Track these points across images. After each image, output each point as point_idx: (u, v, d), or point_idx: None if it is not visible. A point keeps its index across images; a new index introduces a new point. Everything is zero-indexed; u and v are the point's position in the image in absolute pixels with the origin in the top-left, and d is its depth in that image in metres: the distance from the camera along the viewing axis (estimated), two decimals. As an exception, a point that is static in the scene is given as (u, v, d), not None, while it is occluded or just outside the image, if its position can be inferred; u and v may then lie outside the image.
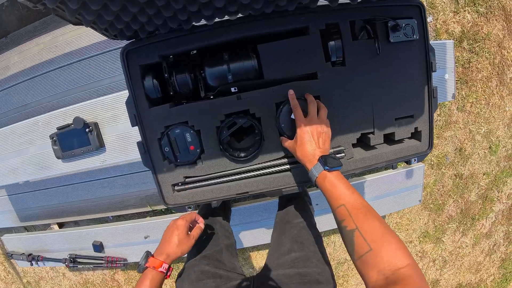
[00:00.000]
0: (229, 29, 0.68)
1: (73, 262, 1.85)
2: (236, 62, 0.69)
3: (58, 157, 1.20)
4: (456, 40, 1.82)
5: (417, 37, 0.74)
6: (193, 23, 0.66)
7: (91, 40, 1.54)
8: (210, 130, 0.72)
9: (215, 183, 0.76)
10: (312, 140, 0.65)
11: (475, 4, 1.79)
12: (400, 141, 0.83)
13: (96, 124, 1.17)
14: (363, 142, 0.82)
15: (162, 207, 1.92)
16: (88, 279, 2.40)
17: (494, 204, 2.21)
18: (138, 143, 0.73)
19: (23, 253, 2.00)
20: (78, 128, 1.14)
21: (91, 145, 1.15)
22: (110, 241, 1.78)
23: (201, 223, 0.80)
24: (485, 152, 2.06)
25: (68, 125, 1.17)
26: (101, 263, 1.85)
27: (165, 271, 0.70)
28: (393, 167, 0.83)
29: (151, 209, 1.93)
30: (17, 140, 1.29)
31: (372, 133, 0.77)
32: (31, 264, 1.97)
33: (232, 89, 0.72)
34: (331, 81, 0.71)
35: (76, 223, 2.15)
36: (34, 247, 1.98)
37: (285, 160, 0.75)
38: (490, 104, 1.95)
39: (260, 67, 0.70)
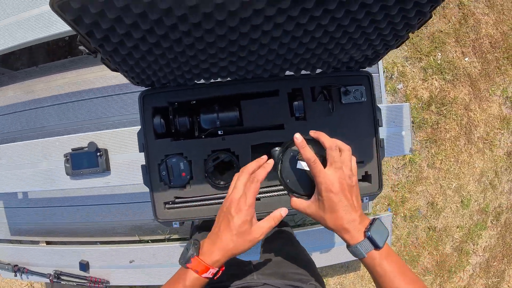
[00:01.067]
0: (221, 88, 0.92)
1: (58, 278, 1.89)
2: (223, 112, 0.92)
3: (67, 174, 1.39)
4: (425, 104, 2.10)
5: (365, 99, 0.96)
6: (195, 81, 0.90)
7: (109, 82, 1.82)
8: (199, 161, 0.93)
9: (199, 205, 0.94)
10: (344, 201, 0.52)
11: (442, 72, 2.09)
12: (353, 183, 1.02)
13: (106, 150, 1.39)
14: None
15: (149, 237, 2.05)
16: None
17: (470, 257, 2.29)
18: (142, 165, 0.93)
19: (9, 263, 1.99)
20: (91, 151, 1.35)
21: (99, 167, 1.35)
22: (97, 262, 1.88)
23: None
24: (457, 206, 2.22)
25: (82, 148, 1.38)
26: (85, 283, 1.89)
27: (211, 276, 0.53)
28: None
29: (138, 239, 2.06)
30: (34, 153, 1.49)
31: (327, 174, 0.97)
32: (15, 275, 1.97)
33: (219, 132, 0.94)
34: (294, 131, 0.93)
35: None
36: (20, 259, 2.01)
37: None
38: (459, 161, 2.17)
39: (241, 117, 0.92)
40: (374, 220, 0.55)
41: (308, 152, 0.55)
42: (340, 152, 0.56)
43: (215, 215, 0.91)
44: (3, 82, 2.05)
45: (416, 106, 2.11)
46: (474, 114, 2.15)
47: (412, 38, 2.08)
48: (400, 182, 2.17)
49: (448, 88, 2.11)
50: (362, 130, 0.98)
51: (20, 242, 2.22)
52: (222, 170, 0.96)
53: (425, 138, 2.14)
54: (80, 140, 1.44)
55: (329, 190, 0.51)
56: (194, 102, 0.98)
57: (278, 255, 0.93)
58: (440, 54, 2.09)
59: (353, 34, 0.67)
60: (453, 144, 2.15)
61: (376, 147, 1.00)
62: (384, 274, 0.51)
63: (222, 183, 0.92)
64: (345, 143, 0.59)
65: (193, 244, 0.54)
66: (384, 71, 2.05)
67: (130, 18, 0.58)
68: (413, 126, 2.13)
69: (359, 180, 1.01)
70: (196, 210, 0.94)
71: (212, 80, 0.90)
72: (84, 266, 1.85)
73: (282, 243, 1.09)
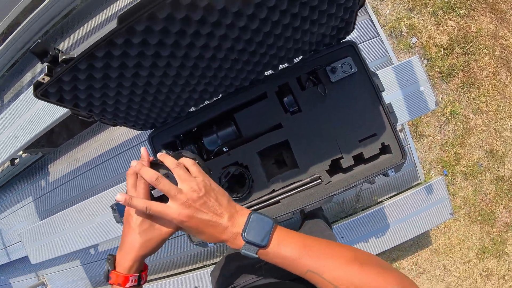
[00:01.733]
0: (212, 108, 0.96)
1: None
2: (221, 130, 0.95)
3: (117, 222, 1.53)
4: (447, 49, 1.92)
5: (356, 70, 0.92)
6: (187, 110, 0.95)
7: (134, 133, 1.99)
8: (214, 180, 0.96)
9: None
10: (204, 218, 0.48)
11: (453, 9, 1.89)
12: (374, 158, 0.97)
13: (143, 193, 1.52)
14: (340, 168, 0.98)
15: (211, 261, 2.14)
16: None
17: (553, 198, 2.00)
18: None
19: None
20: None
21: (141, 210, 1.48)
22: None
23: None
24: (521, 146, 1.97)
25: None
26: None
27: (135, 284, 0.51)
28: (371, 182, 0.96)
29: (202, 265, 2.16)
30: (88, 212, 1.68)
31: (341, 157, 0.94)
32: None
33: (224, 149, 0.97)
34: (294, 126, 0.93)
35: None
36: None
37: (274, 194, 0.94)
38: (507, 96, 1.92)
39: (239, 129, 0.94)
40: (249, 215, 0.51)
41: (148, 172, 0.49)
42: (172, 171, 0.52)
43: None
44: (51, 160, 2.36)
45: (439, 54, 1.93)
46: (505, 40, 1.90)
47: (411, -13, 1.92)
48: (448, 140, 1.98)
49: (466, 23, 1.90)
50: (364, 101, 0.94)
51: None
52: (238, 183, 0.99)
53: (460, 85, 1.94)
54: (121, 190, 1.59)
55: (181, 222, 0.48)
56: (195, 129, 1.03)
57: None
58: (446, -9, 1.90)
59: (302, 13, 0.66)
60: (494, 80, 1.92)
61: (385, 114, 0.94)
62: (286, 262, 0.49)
63: (239, 195, 0.94)
64: (173, 161, 0.53)
65: (107, 259, 0.53)
66: (391, 31, 1.92)
67: (98, 82, 0.65)
68: (442, 77, 1.95)
69: (379, 154, 0.96)
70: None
71: (201, 105, 0.94)
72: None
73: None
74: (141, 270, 0.53)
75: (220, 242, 0.51)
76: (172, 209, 0.47)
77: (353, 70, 0.93)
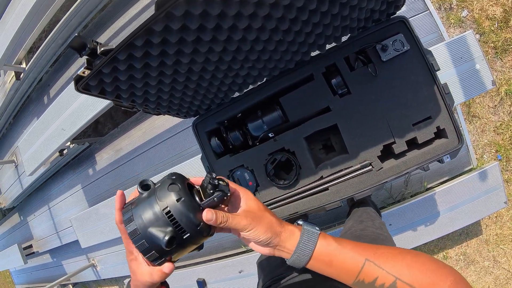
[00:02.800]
0: (257, 93, 0.94)
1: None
2: (267, 115, 0.93)
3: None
4: (501, 22, 1.73)
5: (408, 48, 0.85)
6: (231, 96, 0.94)
7: (177, 120, 2.04)
8: (260, 168, 0.96)
9: (270, 208, 0.96)
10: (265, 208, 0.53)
11: (510, -21, 1.70)
12: (428, 143, 0.90)
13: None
14: (392, 153, 0.92)
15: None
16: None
17: None
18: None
19: None
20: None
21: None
22: (212, 277, 2.07)
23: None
24: None
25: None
26: None
27: None
28: (425, 169, 0.90)
29: (245, 249, 2.20)
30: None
31: (394, 142, 0.89)
32: None
33: (270, 135, 0.95)
34: (343, 109, 0.89)
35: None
36: None
37: (322, 181, 0.91)
38: None
39: (285, 114, 0.92)
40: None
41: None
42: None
43: (287, 215, 0.93)
44: (97, 149, 2.49)
45: (492, 28, 1.75)
46: None
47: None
48: (503, 122, 1.81)
49: (526, -8, 1.70)
50: (417, 82, 0.87)
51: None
52: (284, 169, 0.97)
53: (518, 61, 1.75)
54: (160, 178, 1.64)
55: (247, 196, 0.53)
56: (240, 115, 1.02)
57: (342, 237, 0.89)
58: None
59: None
60: (557, 55, 1.71)
61: (441, 95, 0.87)
62: (345, 252, 0.49)
63: (286, 182, 0.92)
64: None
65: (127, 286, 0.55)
66: (440, 4, 1.77)
67: (139, 72, 0.65)
68: (496, 53, 1.77)
69: (433, 139, 0.89)
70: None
71: (245, 90, 0.93)
72: (201, 283, 2.07)
73: (352, 222, 1.04)
74: None
75: (271, 232, 0.50)
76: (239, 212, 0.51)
77: (405, 48, 0.86)
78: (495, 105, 1.79)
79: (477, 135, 1.81)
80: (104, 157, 2.43)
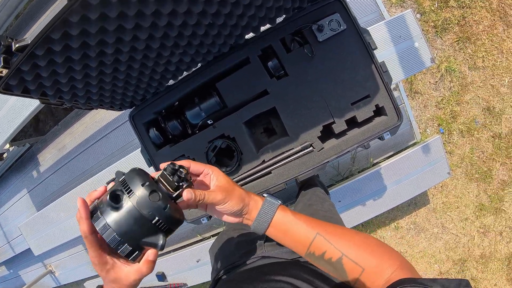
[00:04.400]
0: (192, 80, 0.89)
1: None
2: (204, 102, 0.89)
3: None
4: (441, 2, 1.81)
5: (345, 27, 0.85)
6: (165, 84, 0.88)
7: (118, 112, 1.91)
8: (201, 156, 0.92)
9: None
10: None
11: (447, -40, 1.77)
12: (368, 121, 0.92)
13: (134, 175, 1.48)
14: (332, 133, 0.93)
15: (210, 233, 2.15)
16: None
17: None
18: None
19: None
20: (120, 179, 1.45)
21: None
22: (171, 269, 2.04)
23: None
24: (518, 102, 1.92)
25: (114, 179, 1.48)
26: None
27: None
28: (366, 146, 0.92)
29: (201, 237, 2.18)
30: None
31: (333, 122, 0.89)
32: None
33: (209, 122, 0.91)
34: (280, 92, 0.87)
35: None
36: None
37: (264, 165, 0.90)
38: (504, 51, 1.85)
39: (223, 99, 0.88)
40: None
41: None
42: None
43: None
44: (39, 149, 2.30)
45: (432, 7, 1.83)
46: (504, -9, 1.79)
47: None
48: (444, 97, 1.92)
49: (462, -27, 1.78)
50: (354, 61, 0.87)
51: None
52: (227, 156, 0.94)
53: (456, 39, 1.85)
54: (110, 173, 1.55)
55: (226, 181, 0.54)
56: (177, 103, 0.96)
57: None
58: None
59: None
60: (491, 35, 1.83)
61: (379, 73, 0.88)
62: (300, 222, 0.52)
63: (228, 169, 0.90)
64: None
65: None
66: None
67: (61, 67, 0.59)
68: (436, 32, 1.86)
69: (373, 117, 0.90)
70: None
71: (180, 77, 0.87)
72: (161, 276, 2.03)
73: (302, 206, 1.05)
74: None
75: (242, 202, 0.52)
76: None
77: (341, 27, 0.85)
78: (436, 82, 1.89)
79: (420, 110, 1.91)
80: (48, 157, 2.25)
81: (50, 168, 2.25)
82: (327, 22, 0.85)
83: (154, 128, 0.96)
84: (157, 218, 0.46)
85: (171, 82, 0.89)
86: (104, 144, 1.99)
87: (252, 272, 0.65)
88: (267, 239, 0.79)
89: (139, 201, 0.45)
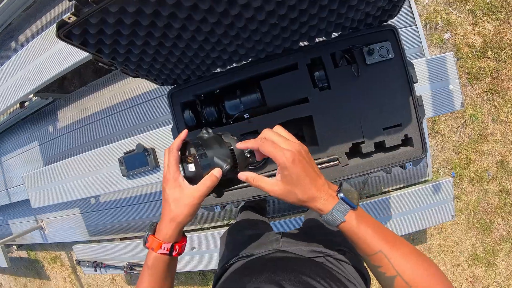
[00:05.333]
0: (239, 72, 0.93)
1: (131, 269, 2.14)
2: (245, 96, 0.92)
3: (123, 175, 1.55)
4: (479, 51, 1.84)
5: (393, 56, 0.88)
6: (213, 70, 0.92)
7: (150, 87, 1.95)
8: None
9: (237, 188, 0.97)
10: (309, 168, 0.51)
11: (493, 12, 1.80)
12: (394, 148, 0.95)
13: (153, 149, 1.51)
14: (359, 152, 0.96)
15: (210, 225, 2.18)
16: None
17: (552, 219, 1.99)
18: (179, 159, 1.00)
19: (89, 261, 2.32)
20: (140, 152, 1.48)
21: (149, 165, 1.48)
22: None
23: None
24: (532, 163, 1.94)
25: (132, 151, 1.51)
26: None
27: (167, 252, 0.54)
28: (388, 172, 0.94)
29: (200, 227, 2.20)
30: (94, 162, 1.68)
31: (363, 142, 0.92)
32: (95, 271, 2.28)
33: (245, 115, 0.95)
34: (320, 102, 0.90)
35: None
36: (98, 256, 2.31)
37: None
38: (529, 111, 1.88)
39: (264, 97, 0.92)
40: (341, 183, 0.53)
41: (250, 142, 0.55)
42: (273, 134, 0.54)
43: (253, 196, 0.94)
44: (61, 106, 2.34)
45: (470, 55, 1.86)
46: (541, 53, 1.82)
47: (454, -21, 1.82)
48: (463, 143, 1.95)
49: (504, 29, 1.81)
50: (394, 89, 0.90)
51: (98, 241, 2.54)
52: (254, 152, 0.97)
53: (485, 90, 1.88)
54: (131, 144, 1.58)
55: (293, 161, 0.49)
56: (218, 91, 1.00)
57: (310, 225, 0.92)
58: (490, -10, 1.80)
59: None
60: (520, 92, 1.86)
61: (414, 106, 0.91)
62: (365, 236, 0.50)
63: (254, 164, 0.93)
64: (270, 130, 0.56)
65: (150, 226, 0.58)
66: (426, 23, 1.84)
67: (127, 29, 0.62)
68: (469, 78, 1.89)
69: (400, 145, 0.93)
70: (234, 194, 0.97)
71: (228, 67, 0.91)
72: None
73: (316, 215, 1.08)
74: (177, 241, 0.56)
75: (311, 198, 0.50)
76: (286, 148, 0.50)
77: (390, 55, 0.89)
78: (458, 126, 1.92)
79: (437, 150, 1.94)
80: (68, 115, 2.29)
81: (68, 126, 2.29)
82: (378, 48, 0.89)
83: (190, 110, 0.99)
84: (233, 149, 0.60)
85: (218, 69, 0.93)
86: (128, 114, 2.03)
87: (268, 263, 0.66)
88: (284, 234, 0.82)
89: (225, 135, 0.64)
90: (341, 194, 0.50)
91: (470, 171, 1.94)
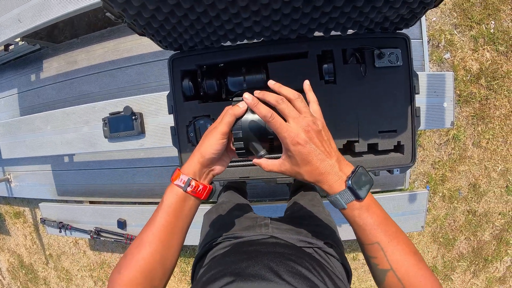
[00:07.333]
0: (247, 50, 0.90)
1: (97, 234, 2.09)
2: (250, 75, 0.91)
3: (105, 137, 1.50)
4: (474, 77, 1.91)
5: (401, 64, 0.89)
6: (222, 43, 0.89)
7: (146, 50, 1.88)
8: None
9: (230, 166, 0.95)
10: (317, 149, 0.48)
11: (494, 43, 1.87)
12: (385, 152, 0.97)
13: (141, 114, 1.45)
14: (351, 150, 0.97)
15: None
16: (106, 260, 2.65)
17: (510, 247, 2.14)
18: (171, 127, 0.97)
19: (55, 221, 2.21)
20: (127, 115, 1.42)
21: (134, 130, 1.43)
22: (134, 220, 2.02)
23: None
24: (501, 191, 2.05)
25: (119, 112, 1.46)
26: (121, 239, 2.06)
27: (182, 185, 0.52)
28: (376, 174, 0.97)
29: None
30: (76, 119, 1.61)
31: (357, 141, 0.93)
32: (60, 231, 2.19)
33: (246, 94, 0.93)
34: (323, 95, 0.90)
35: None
36: (65, 217, 2.22)
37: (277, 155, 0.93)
38: (508, 142, 1.97)
39: (268, 79, 0.90)
40: (358, 167, 0.51)
41: (262, 108, 0.51)
42: (291, 102, 0.53)
43: (240, 177, 0.93)
44: (48, 55, 2.20)
45: (464, 78, 1.93)
46: (530, 90, 1.92)
47: (463, 4, 1.86)
48: (442, 159, 2.03)
49: (501, 60, 1.88)
50: (396, 96, 0.92)
51: (66, 201, 2.45)
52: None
53: (472, 114, 1.96)
54: (118, 105, 1.52)
55: (296, 143, 0.48)
56: (222, 65, 0.97)
57: (298, 214, 0.93)
58: (493, 22, 1.85)
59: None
60: (503, 123, 1.95)
61: (412, 116, 0.93)
62: (364, 226, 0.49)
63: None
64: (295, 91, 0.54)
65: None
66: (430, 39, 1.88)
67: None
68: (459, 100, 1.96)
69: (391, 150, 0.96)
70: (226, 172, 0.96)
71: (238, 42, 0.88)
72: (122, 224, 2.00)
73: (304, 203, 1.09)
74: (197, 179, 0.55)
75: (317, 179, 0.50)
76: (291, 128, 0.48)
77: (398, 63, 0.90)
78: (440, 143, 2.00)
79: (417, 162, 2.01)
80: (54, 66, 2.16)
81: (52, 77, 2.17)
82: (388, 53, 0.89)
83: (190, 80, 0.96)
84: (273, 137, 0.55)
85: (227, 43, 0.90)
86: (119, 75, 1.95)
87: (262, 249, 0.64)
88: (272, 219, 0.82)
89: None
90: (349, 183, 0.48)
91: (443, 188, 2.04)
